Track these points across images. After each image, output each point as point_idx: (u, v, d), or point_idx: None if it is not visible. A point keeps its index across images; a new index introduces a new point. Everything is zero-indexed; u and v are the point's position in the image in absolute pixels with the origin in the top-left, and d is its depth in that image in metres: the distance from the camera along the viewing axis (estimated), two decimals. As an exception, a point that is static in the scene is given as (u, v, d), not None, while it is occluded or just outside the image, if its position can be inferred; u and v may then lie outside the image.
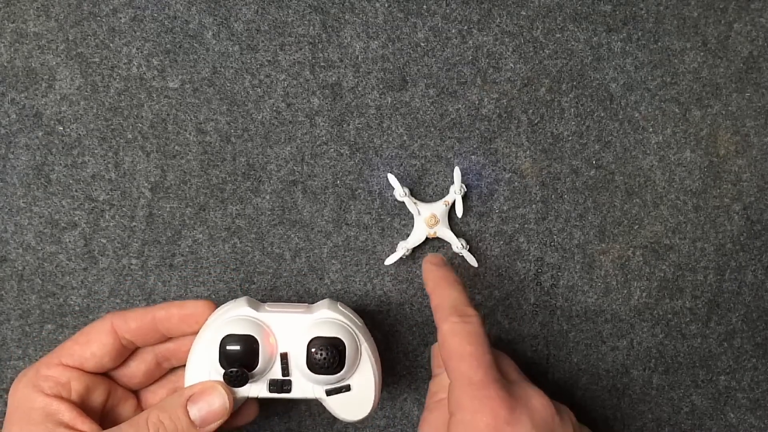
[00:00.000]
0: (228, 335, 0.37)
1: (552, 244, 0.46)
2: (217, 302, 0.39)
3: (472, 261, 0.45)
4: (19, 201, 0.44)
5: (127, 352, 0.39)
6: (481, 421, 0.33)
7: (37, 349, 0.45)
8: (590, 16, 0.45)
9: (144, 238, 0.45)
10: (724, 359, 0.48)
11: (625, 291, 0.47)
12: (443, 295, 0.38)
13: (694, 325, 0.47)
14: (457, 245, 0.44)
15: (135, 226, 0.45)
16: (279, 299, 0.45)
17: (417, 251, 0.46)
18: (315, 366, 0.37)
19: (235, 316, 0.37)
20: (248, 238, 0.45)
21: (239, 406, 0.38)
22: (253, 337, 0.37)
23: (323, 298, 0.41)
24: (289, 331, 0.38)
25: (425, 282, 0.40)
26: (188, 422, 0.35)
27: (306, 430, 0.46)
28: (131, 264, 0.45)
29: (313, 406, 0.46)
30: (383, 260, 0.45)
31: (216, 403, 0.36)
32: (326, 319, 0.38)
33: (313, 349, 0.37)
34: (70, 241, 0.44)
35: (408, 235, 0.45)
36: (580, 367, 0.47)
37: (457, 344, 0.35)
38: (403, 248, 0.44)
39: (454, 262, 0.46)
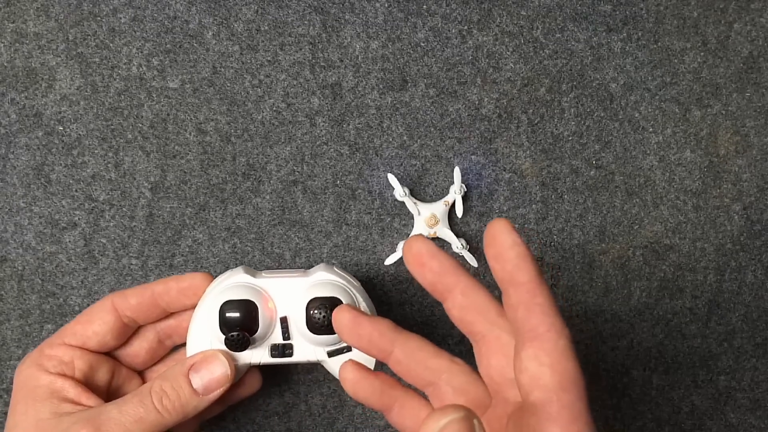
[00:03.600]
0: (227, 301, 0.37)
1: (552, 244, 0.46)
2: (215, 275, 0.40)
3: (472, 261, 0.45)
4: (19, 201, 0.44)
5: (129, 331, 0.39)
6: None
7: (37, 349, 0.45)
8: (590, 16, 0.45)
9: (144, 238, 0.45)
10: (724, 359, 0.48)
11: (625, 291, 0.47)
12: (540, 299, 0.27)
13: (694, 325, 0.47)
14: (457, 245, 0.44)
15: (135, 226, 0.45)
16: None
17: (417, 251, 0.46)
18: (315, 326, 0.37)
19: (233, 284, 0.38)
20: (248, 238, 0.45)
21: (242, 375, 0.38)
22: (251, 302, 0.37)
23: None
24: (287, 295, 0.38)
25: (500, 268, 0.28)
26: (191, 390, 0.36)
27: (306, 430, 0.46)
28: (131, 264, 0.45)
29: (313, 406, 0.46)
30: (383, 260, 0.45)
31: (217, 370, 0.36)
32: (323, 280, 0.38)
33: (311, 310, 0.37)
34: (70, 241, 0.44)
35: (408, 235, 0.45)
36: (580, 367, 0.47)
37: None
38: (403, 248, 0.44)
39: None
